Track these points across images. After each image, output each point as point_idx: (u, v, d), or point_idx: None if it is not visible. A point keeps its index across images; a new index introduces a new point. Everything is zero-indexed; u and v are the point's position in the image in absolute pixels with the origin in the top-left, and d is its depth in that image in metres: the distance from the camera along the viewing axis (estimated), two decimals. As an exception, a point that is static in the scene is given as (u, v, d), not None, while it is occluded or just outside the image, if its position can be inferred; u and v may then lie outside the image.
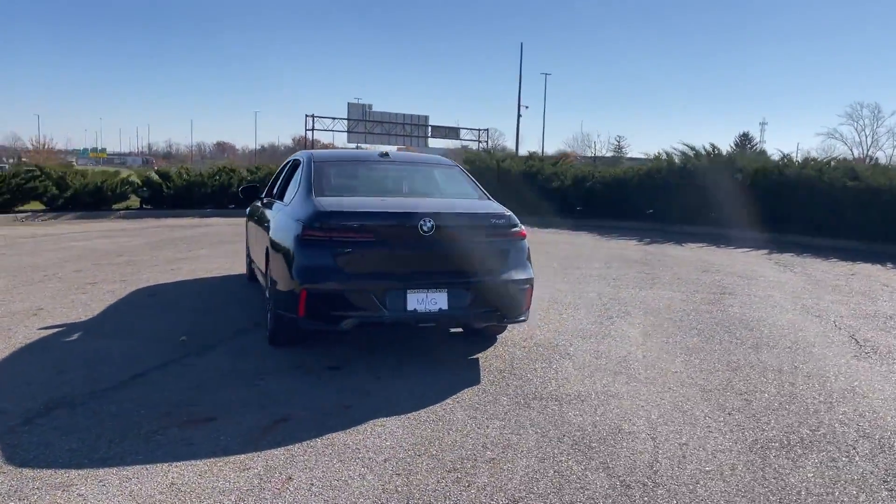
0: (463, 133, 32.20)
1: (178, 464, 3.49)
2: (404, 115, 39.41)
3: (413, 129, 38.25)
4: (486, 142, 32.02)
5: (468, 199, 5.80)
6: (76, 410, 4.15)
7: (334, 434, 3.90)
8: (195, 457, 3.57)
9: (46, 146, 76.49)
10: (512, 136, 54.31)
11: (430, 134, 33.53)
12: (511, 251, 5.22)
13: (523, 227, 5.43)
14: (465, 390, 4.68)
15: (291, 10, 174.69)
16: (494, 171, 19.09)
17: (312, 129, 27.28)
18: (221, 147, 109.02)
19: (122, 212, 17.04)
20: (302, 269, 4.86)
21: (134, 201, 17.89)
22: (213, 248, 11.49)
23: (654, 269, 10.41)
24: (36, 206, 16.43)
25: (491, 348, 5.70)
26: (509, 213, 5.31)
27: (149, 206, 17.89)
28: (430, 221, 4.94)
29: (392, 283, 4.88)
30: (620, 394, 4.70)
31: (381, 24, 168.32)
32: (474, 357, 5.45)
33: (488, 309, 5.09)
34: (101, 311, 6.70)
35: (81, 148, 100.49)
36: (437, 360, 5.35)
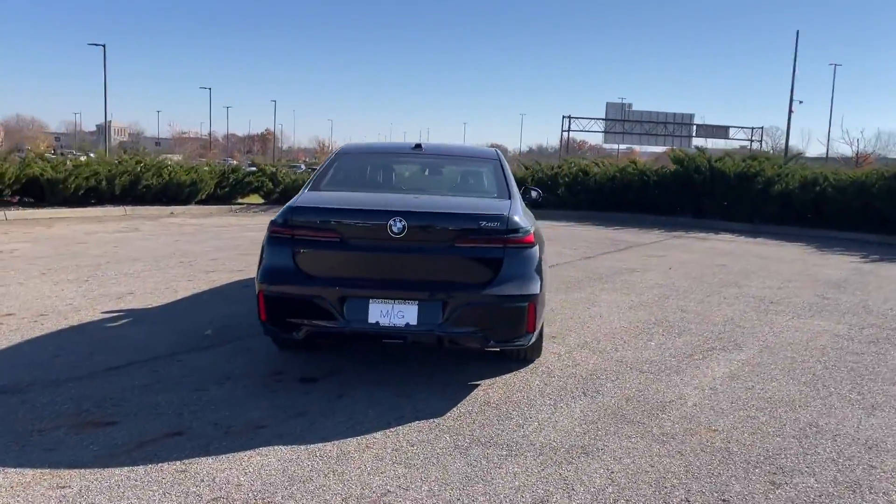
0: (733, 132, 29.41)
1: (12, 470, 3.22)
2: (666, 113, 37.16)
3: (676, 128, 35.95)
4: (760, 141, 29.01)
5: (480, 197, 4.95)
6: (6, 397, 4.11)
7: (201, 460, 3.40)
8: (35, 465, 3.28)
9: (322, 145, 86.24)
10: (796, 136, 49.07)
11: (694, 133, 31.19)
12: (506, 260, 4.30)
13: (533, 230, 4.48)
14: (414, 423, 3.92)
15: (554, 11, 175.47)
16: (706, 171, 17.16)
17: (569, 130, 26.75)
18: (495, 148, 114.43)
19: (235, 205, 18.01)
20: (263, 269, 4.43)
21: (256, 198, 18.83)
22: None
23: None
24: (255, 199, 17.91)
25: (511, 374, 4.82)
26: (508, 214, 4.38)
27: (265, 202, 18.68)
28: (400, 221, 4.23)
29: (353, 291, 4.25)
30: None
31: (644, 21, 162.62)
32: (476, 383, 4.62)
33: (468, 328, 4.23)
34: (180, 299, 6.83)
35: None
36: (436, 381, 4.61)
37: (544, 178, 18.88)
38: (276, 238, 4.39)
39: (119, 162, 15.30)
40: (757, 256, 11.58)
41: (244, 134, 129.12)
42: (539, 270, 4.42)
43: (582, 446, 3.69)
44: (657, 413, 4.20)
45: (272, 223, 4.42)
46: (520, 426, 3.93)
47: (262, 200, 17.87)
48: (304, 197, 4.70)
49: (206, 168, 16.90)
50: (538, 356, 5.11)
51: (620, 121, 51.07)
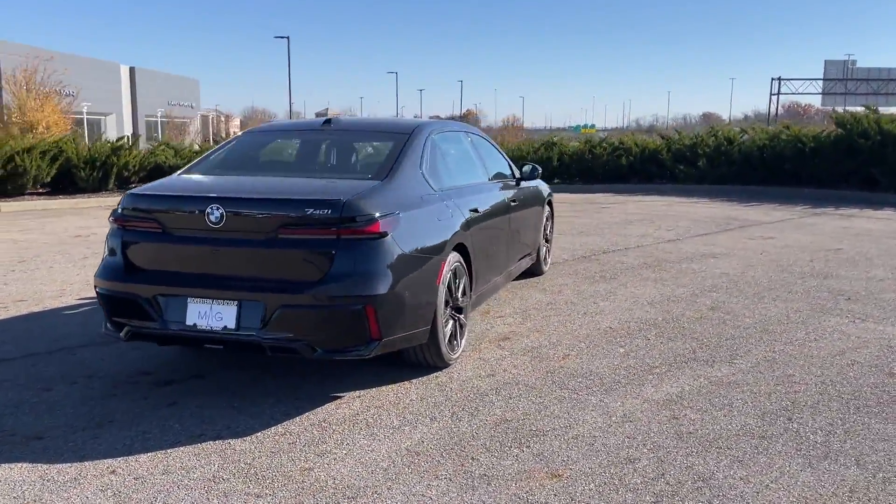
0: None
1: None
2: (897, 69, 32.73)
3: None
4: None
5: (346, 178, 4.26)
6: None
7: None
8: None
9: (514, 124, 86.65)
10: None
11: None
12: (339, 254, 3.62)
13: (389, 218, 3.75)
14: (201, 445, 3.41)
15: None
16: (875, 135, 14.60)
17: (778, 94, 24.25)
18: (707, 117, 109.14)
19: None
20: (100, 263, 4.11)
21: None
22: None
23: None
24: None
25: (396, 384, 4.15)
26: (346, 200, 3.66)
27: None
28: (217, 210, 3.70)
29: (171, 288, 3.79)
30: None
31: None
32: (338, 395, 4.01)
33: (289, 334, 3.62)
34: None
35: (574, 125, 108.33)
36: (296, 390, 4.06)
37: (682, 149, 17.10)
38: (112, 229, 4.04)
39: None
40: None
41: (448, 115, 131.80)
42: (393, 267, 3.68)
43: (371, 486, 2.97)
44: (515, 444, 3.35)
45: (111, 214, 4.07)
46: (319, 455, 3.28)
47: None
48: (154, 183, 4.30)
49: None
50: (444, 365, 4.34)
51: (842, 80, 45.48)
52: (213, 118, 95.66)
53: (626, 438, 3.43)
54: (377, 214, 3.68)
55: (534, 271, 7.00)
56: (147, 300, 3.78)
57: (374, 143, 4.61)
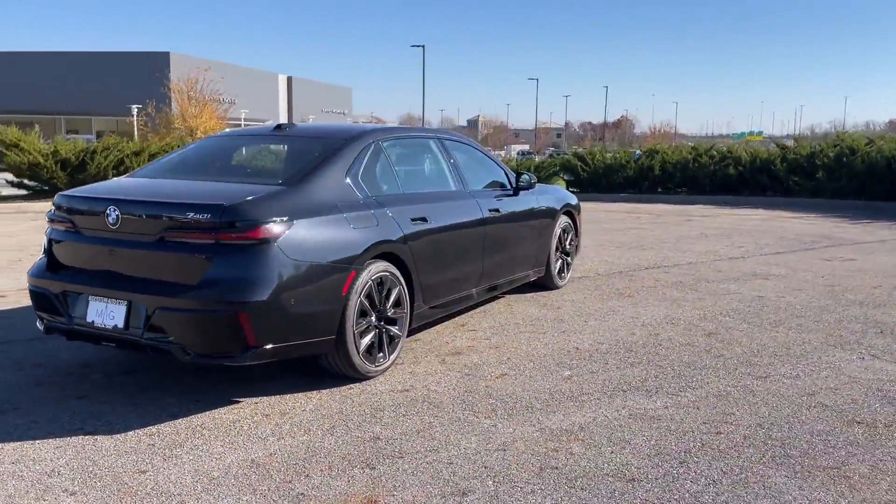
0: None
1: None
2: None
3: None
4: None
5: (249, 182, 4.23)
6: None
7: None
8: None
9: (661, 130, 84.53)
10: None
11: None
12: (217, 259, 3.63)
13: (276, 224, 3.72)
14: (51, 440, 3.53)
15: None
16: None
17: None
18: (893, 125, 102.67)
19: None
20: None
21: (560, 183, 17.94)
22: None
23: None
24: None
25: (301, 393, 4.12)
26: (228, 204, 3.66)
27: (575, 190, 17.69)
28: (114, 211, 3.83)
29: (75, 286, 3.97)
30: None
31: None
32: (238, 399, 4.03)
33: (165, 336, 3.67)
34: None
35: (738, 132, 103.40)
36: (208, 390, 4.13)
37: (798, 159, 15.81)
38: (47, 228, 4.28)
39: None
40: None
41: (599, 121, 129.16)
42: (277, 273, 3.65)
43: (183, 495, 2.96)
44: (361, 465, 3.22)
45: (47, 212, 4.32)
46: (165, 459, 3.29)
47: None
48: (86, 185, 4.51)
49: None
50: (362, 377, 4.25)
51: None
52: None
53: (480, 468, 3.20)
54: (259, 220, 3.65)
55: (545, 285, 6.72)
56: (56, 296, 3.97)
57: (307, 150, 4.58)
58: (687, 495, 2.96)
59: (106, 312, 3.80)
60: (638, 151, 16.75)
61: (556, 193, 6.91)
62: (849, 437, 3.53)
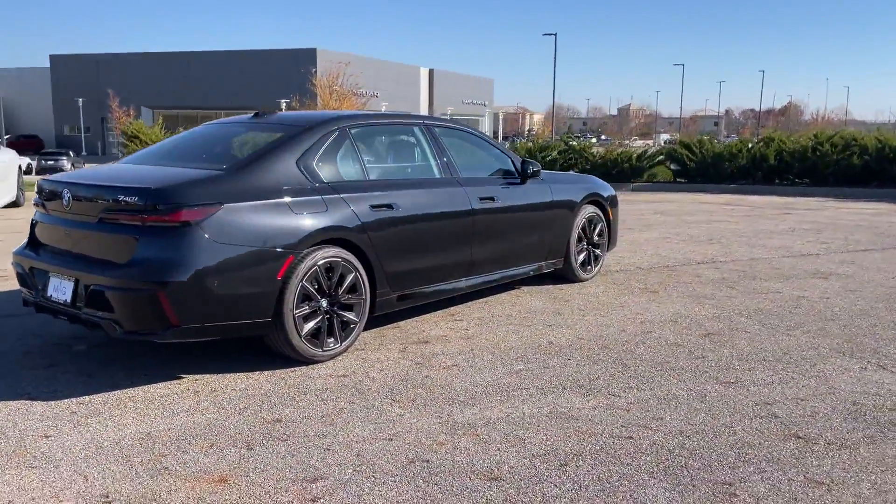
0: None
1: None
2: None
3: None
4: None
5: (192, 167, 4.33)
6: None
7: None
8: None
9: (825, 117, 78.93)
10: None
11: None
12: (142, 240, 3.82)
13: (202, 208, 3.86)
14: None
15: None
16: None
17: None
18: None
19: (634, 184, 16.61)
20: None
21: (665, 173, 17.17)
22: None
23: None
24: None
25: (244, 374, 4.25)
26: (155, 187, 3.83)
27: (682, 180, 16.88)
28: (67, 194, 4.13)
29: (39, 263, 4.30)
30: None
31: None
32: (182, 376, 4.23)
33: (101, 312, 3.90)
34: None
35: None
36: (160, 366, 4.36)
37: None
38: (35, 211, 4.65)
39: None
40: None
41: (766, 108, 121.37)
42: (200, 255, 3.78)
43: (58, 461, 3.16)
44: (240, 445, 3.27)
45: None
46: (75, 426, 3.52)
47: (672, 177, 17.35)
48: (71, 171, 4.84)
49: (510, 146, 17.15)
50: (308, 360, 4.33)
51: None
52: (501, 115, 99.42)
53: (352, 456, 3.18)
54: (181, 203, 3.79)
55: (567, 277, 6.50)
56: (28, 272, 4.32)
57: (268, 137, 4.65)
58: (538, 498, 2.79)
59: (60, 288, 4.09)
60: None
61: (582, 183, 6.65)
62: (771, 453, 3.19)
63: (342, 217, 4.39)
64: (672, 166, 17.05)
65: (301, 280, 4.16)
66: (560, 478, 2.97)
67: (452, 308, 5.66)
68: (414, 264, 4.86)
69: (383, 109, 57.38)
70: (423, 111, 70.42)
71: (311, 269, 4.20)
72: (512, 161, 5.90)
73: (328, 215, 4.32)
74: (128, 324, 3.81)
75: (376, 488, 2.89)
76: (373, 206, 4.58)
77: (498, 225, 5.52)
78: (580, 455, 3.17)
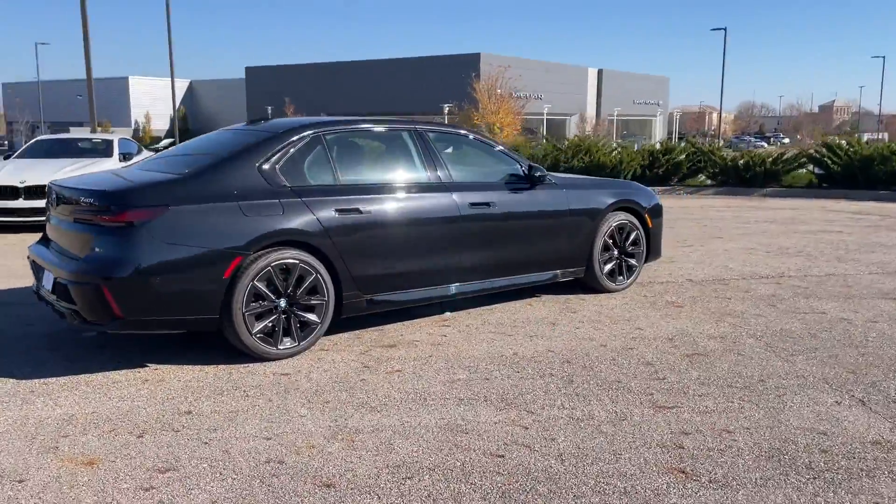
0: None
1: None
2: None
3: None
4: None
5: (166, 172, 4.61)
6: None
7: None
8: None
9: None
10: None
11: None
12: (96, 238, 4.18)
13: (147, 210, 4.17)
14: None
15: None
16: None
17: None
18: None
19: (767, 189, 15.39)
20: None
21: (807, 177, 15.77)
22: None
23: None
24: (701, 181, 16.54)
25: (164, 365, 4.52)
26: (107, 191, 4.20)
27: (825, 185, 15.45)
28: (54, 195, 4.60)
29: (39, 257, 4.80)
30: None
31: None
32: (146, 365, 4.57)
33: (68, 304, 4.30)
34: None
35: None
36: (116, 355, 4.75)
37: None
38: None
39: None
40: None
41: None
42: (144, 253, 4.08)
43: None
44: (122, 433, 3.50)
45: None
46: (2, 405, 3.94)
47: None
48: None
49: (629, 149, 16.47)
50: (261, 357, 4.53)
51: None
52: (677, 115, 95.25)
53: (215, 451, 3.31)
54: (128, 205, 4.11)
55: (593, 287, 6.26)
56: (32, 265, 4.85)
57: (240, 142, 4.84)
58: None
59: (47, 280, 4.55)
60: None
61: (611, 189, 6.34)
62: (634, 487, 2.95)
63: (301, 221, 4.52)
64: (815, 170, 15.64)
65: (252, 280, 4.34)
66: (391, 491, 2.92)
67: (453, 313, 5.62)
68: (387, 269, 4.90)
69: (545, 112, 57.12)
70: (590, 112, 69.24)
71: (263, 269, 4.37)
72: (521, 166, 5.76)
73: (283, 218, 4.47)
74: (86, 314, 4.17)
75: (211, 484, 2.99)
76: (338, 211, 4.68)
77: (494, 231, 5.41)
78: (433, 469, 3.10)
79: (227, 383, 4.16)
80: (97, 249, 4.14)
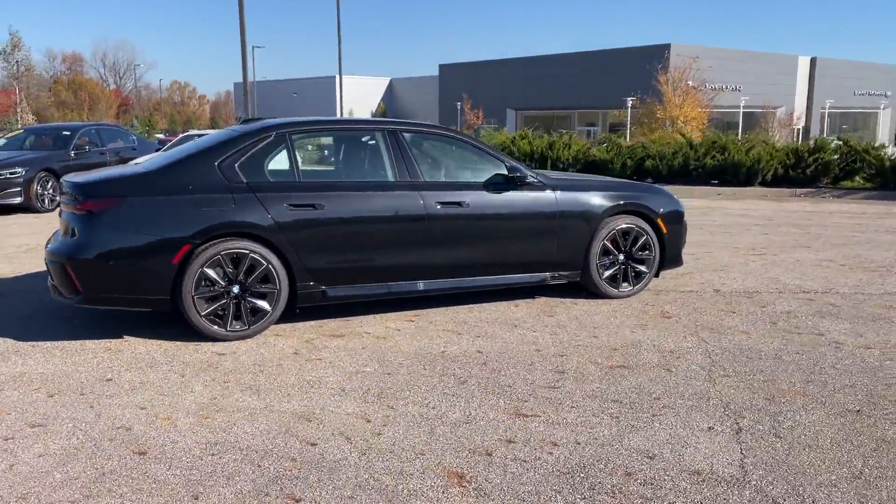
0: None
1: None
2: None
3: None
4: None
5: (137, 169, 5.17)
6: None
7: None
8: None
9: None
10: None
11: None
12: (73, 224, 4.86)
13: (106, 200, 4.79)
14: None
15: None
16: None
17: None
18: None
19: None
20: None
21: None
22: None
23: None
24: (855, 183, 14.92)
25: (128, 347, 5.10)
26: (81, 182, 4.85)
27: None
28: (68, 188, 5.35)
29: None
30: None
31: None
32: (120, 338, 5.22)
33: (52, 280, 5.05)
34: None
35: None
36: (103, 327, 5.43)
37: None
38: None
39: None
40: None
41: None
42: (102, 238, 4.68)
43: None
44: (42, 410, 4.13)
45: None
46: (-4, 361, 4.71)
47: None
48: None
49: (769, 147, 15.13)
50: (213, 338, 5.01)
51: None
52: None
53: (86, 409, 3.80)
54: (90, 196, 4.74)
55: (593, 292, 6.14)
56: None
57: (215, 140, 5.34)
58: (114, 481, 3.13)
59: (54, 268, 5.32)
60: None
61: (615, 191, 6.11)
62: (395, 485, 3.04)
63: (251, 214, 4.92)
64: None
65: (202, 266, 4.80)
66: (187, 463, 3.22)
67: (428, 309, 5.76)
68: (346, 263, 5.17)
69: (742, 105, 53.71)
70: (799, 104, 63.96)
71: (212, 257, 4.82)
72: (507, 167, 5.76)
73: (233, 212, 4.89)
74: (61, 290, 4.87)
75: (56, 442, 3.46)
76: (292, 206, 5.02)
77: (466, 231, 5.49)
78: (242, 450, 3.35)
79: (164, 357, 4.65)
80: (70, 234, 4.81)
